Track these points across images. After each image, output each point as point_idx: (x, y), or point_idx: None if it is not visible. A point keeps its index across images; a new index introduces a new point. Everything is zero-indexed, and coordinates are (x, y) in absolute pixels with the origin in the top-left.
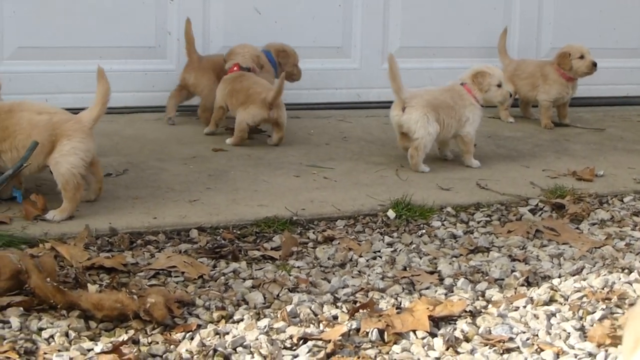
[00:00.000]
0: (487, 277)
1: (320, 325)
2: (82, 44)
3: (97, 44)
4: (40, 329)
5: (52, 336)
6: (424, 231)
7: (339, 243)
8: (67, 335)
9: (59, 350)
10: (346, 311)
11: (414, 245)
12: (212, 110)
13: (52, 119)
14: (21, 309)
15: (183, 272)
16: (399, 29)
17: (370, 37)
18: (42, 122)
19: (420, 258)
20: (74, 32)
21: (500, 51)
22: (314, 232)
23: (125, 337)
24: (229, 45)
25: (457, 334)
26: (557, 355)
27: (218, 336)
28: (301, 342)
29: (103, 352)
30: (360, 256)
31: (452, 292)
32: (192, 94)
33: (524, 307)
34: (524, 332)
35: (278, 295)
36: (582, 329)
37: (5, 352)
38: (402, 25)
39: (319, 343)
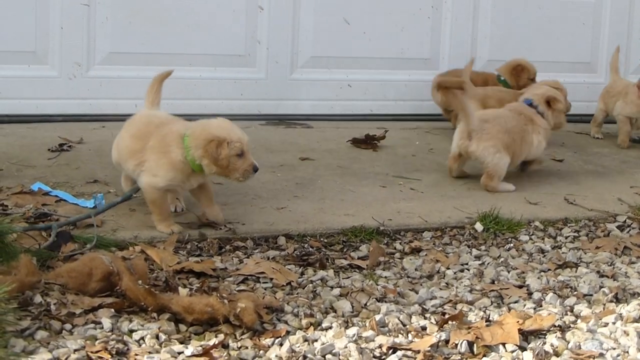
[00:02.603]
0: (575, 293)
1: (409, 335)
2: (172, 51)
3: (188, 51)
4: (131, 331)
5: (142, 338)
6: (511, 245)
7: (426, 254)
8: (157, 337)
9: (149, 353)
10: (435, 322)
11: (502, 259)
12: None
13: None
14: (112, 310)
15: (271, 279)
16: (488, 41)
17: (459, 49)
18: None
19: (509, 272)
20: (164, 38)
21: (612, 69)
22: (400, 243)
23: (215, 341)
24: (319, 55)
25: (547, 348)
26: None
27: (307, 343)
28: (390, 351)
29: (194, 355)
30: (448, 268)
31: (541, 306)
32: None
33: (614, 323)
34: (614, 349)
35: (366, 305)
36: None
37: (97, 351)
38: (490, 37)
39: (408, 353)
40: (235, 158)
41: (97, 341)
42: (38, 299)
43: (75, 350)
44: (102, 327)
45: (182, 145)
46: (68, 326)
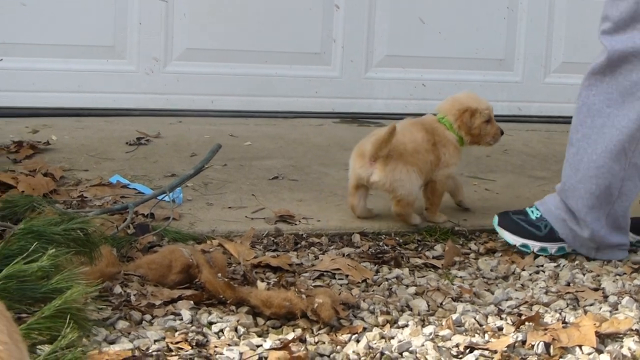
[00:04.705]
0: None
1: (486, 335)
2: (249, 48)
3: (264, 48)
4: (210, 323)
5: (221, 330)
6: None
7: (501, 255)
8: (236, 330)
9: (228, 345)
10: (511, 323)
11: (576, 262)
12: None
13: None
14: (191, 302)
15: (347, 275)
16: (563, 43)
17: (534, 50)
18: None
19: (584, 275)
20: (241, 35)
21: None
22: (475, 243)
23: (293, 335)
24: (393, 54)
25: (625, 351)
26: None
27: (384, 340)
28: (467, 350)
29: (273, 349)
30: (523, 269)
31: (617, 309)
32: None
33: None
34: None
35: (442, 304)
36: None
37: (177, 343)
38: (565, 39)
39: (485, 353)
40: (484, 124)
41: (177, 332)
42: (118, 289)
43: (155, 341)
44: (182, 319)
45: (447, 127)
46: (148, 317)
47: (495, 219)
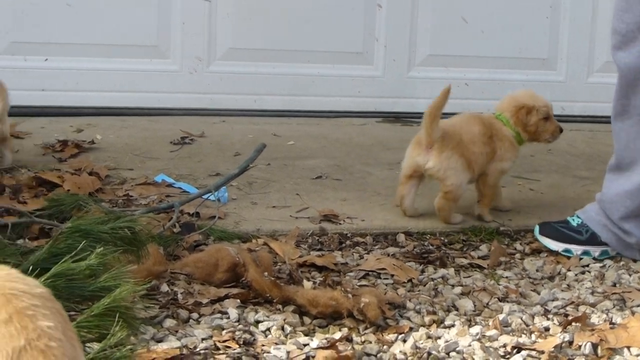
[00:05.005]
0: None
1: (532, 335)
2: (291, 47)
3: (306, 48)
4: (257, 322)
5: (268, 329)
6: None
7: (546, 255)
8: (283, 329)
9: (276, 344)
10: (558, 323)
11: (622, 262)
12: None
13: None
14: (238, 301)
15: (392, 275)
16: (606, 42)
17: (576, 49)
18: None
19: (630, 275)
20: (284, 35)
21: None
22: (520, 244)
23: (340, 334)
24: (436, 53)
25: None
26: None
27: (430, 340)
28: (515, 351)
29: (320, 348)
30: (569, 270)
31: None
32: None
33: None
34: None
35: (488, 304)
36: None
37: (225, 341)
38: (608, 38)
39: (533, 353)
40: (542, 122)
41: (224, 331)
42: (165, 287)
43: (203, 339)
44: (229, 317)
45: (504, 123)
46: (195, 315)
47: (537, 228)
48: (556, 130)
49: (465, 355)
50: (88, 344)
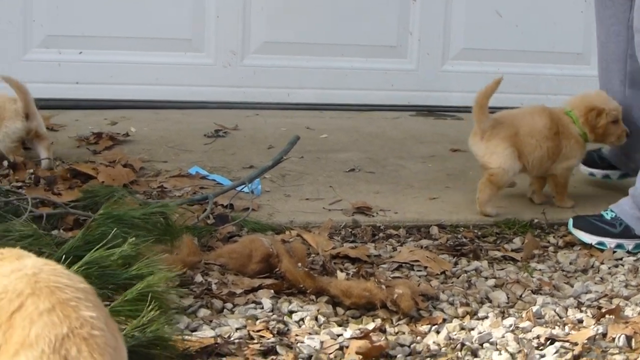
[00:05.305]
0: None
1: (566, 327)
2: (325, 41)
3: (340, 42)
4: (291, 312)
5: (302, 319)
6: None
7: (580, 249)
8: (316, 319)
9: (309, 334)
10: (591, 316)
11: None
12: None
13: None
14: (272, 291)
15: (425, 267)
16: None
17: None
18: None
19: None
20: (318, 29)
21: None
22: (554, 237)
23: (373, 325)
24: (470, 47)
25: None
26: None
27: (464, 331)
28: (548, 342)
29: (353, 338)
30: (602, 263)
31: None
32: None
33: None
34: None
35: (521, 296)
36: None
37: (259, 330)
38: None
39: (566, 345)
40: (611, 125)
41: (258, 321)
42: (199, 278)
43: (237, 329)
44: (263, 308)
45: (572, 120)
46: (229, 305)
47: (570, 221)
48: (622, 134)
49: (498, 346)
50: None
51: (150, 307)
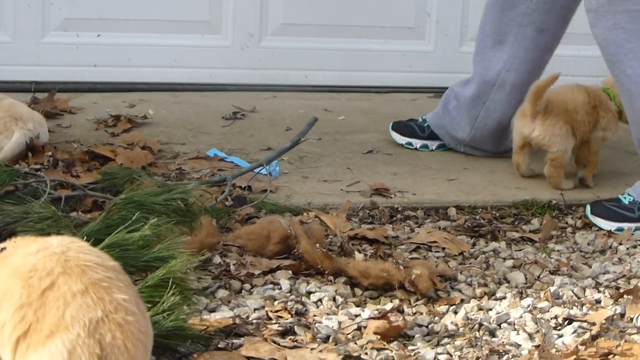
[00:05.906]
0: None
1: (584, 307)
2: (342, 23)
3: (358, 23)
4: (309, 293)
5: (320, 300)
6: None
7: (598, 229)
8: (334, 300)
9: (327, 314)
10: (609, 296)
11: None
12: None
13: None
14: (290, 272)
15: (443, 248)
16: None
17: None
18: None
19: None
20: (336, 10)
21: None
22: (572, 218)
23: (391, 305)
24: None
25: None
26: None
27: (482, 311)
28: (566, 322)
29: (372, 318)
30: (620, 244)
31: None
32: None
33: None
34: None
35: (539, 277)
36: None
37: (277, 311)
38: None
39: (584, 325)
40: None
41: (276, 301)
42: (217, 259)
43: (255, 309)
44: (281, 288)
45: (610, 97)
46: (247, 286)
47: (588, 208)
48: None
49: (516, 326)
50: None
51: (171, 292)
